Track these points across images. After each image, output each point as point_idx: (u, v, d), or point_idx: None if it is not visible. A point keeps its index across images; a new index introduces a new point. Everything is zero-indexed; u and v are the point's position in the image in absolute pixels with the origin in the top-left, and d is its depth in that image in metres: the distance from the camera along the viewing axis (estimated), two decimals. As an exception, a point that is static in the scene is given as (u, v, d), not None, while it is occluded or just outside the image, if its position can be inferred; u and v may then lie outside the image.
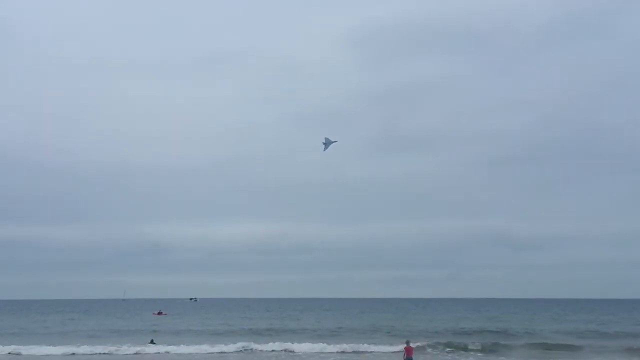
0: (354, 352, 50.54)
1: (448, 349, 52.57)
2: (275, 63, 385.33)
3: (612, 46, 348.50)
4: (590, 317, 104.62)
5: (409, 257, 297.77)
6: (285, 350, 51.18)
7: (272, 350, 51.35)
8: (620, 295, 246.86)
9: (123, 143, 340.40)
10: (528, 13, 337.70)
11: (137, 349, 52.82)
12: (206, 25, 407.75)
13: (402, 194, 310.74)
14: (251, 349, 52.11)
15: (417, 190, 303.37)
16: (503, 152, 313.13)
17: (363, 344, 53.40)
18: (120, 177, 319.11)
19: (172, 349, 52.37)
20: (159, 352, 51.74)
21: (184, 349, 52.20)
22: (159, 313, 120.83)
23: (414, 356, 38.98)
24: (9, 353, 51.11)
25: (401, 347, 42.28)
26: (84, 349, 52.50)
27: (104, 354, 50.77)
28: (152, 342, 57.56)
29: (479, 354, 50.09)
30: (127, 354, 50.99)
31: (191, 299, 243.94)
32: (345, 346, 51.98)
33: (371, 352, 50.51)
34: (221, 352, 51.18)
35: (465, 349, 52.74)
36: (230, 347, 52.50)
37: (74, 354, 51.02)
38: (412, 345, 40.05)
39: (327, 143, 54.49)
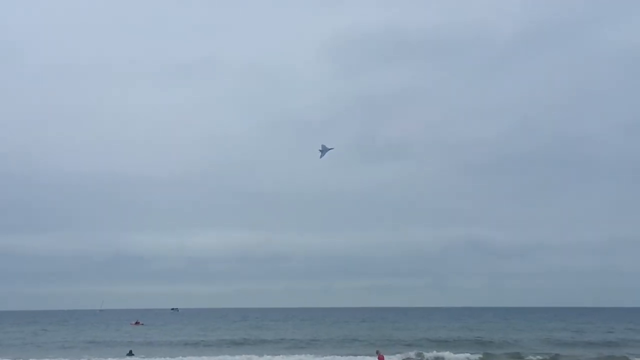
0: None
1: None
2: (250, 71, 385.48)
3: (583, 56, 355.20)
4: (567, 326, 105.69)
5: (387, 266, 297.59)
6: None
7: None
8: (597, 304, 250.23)
9: (98, 152, 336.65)
10: (502, 24, 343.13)
11: (116, 360, 52.24)
12: (177, 32, 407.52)
13: (378, 203, 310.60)
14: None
15: (394, 198, 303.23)
16: (479, 160, 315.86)
17: (339, 355, 53.49)
18: (96, 186, 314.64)
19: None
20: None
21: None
22: (136, 323, 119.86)
23: None
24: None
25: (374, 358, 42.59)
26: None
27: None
28: (130, 353, 57.08)
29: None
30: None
31: (172, 309, 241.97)
32: (321, 358, 52.09)
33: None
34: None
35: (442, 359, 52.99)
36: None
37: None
38: (382, 354, 41.59)
39: (324, 150, 54.92)
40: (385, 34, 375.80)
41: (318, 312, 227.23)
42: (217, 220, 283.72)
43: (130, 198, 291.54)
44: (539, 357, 54.13)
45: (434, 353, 55.76)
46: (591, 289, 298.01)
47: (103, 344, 70.88)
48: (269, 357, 52.92)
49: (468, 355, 54.95)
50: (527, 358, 53.76)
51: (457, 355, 54.86)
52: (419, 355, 54.76)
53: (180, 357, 53.54)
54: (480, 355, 55.13)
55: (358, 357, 52.74)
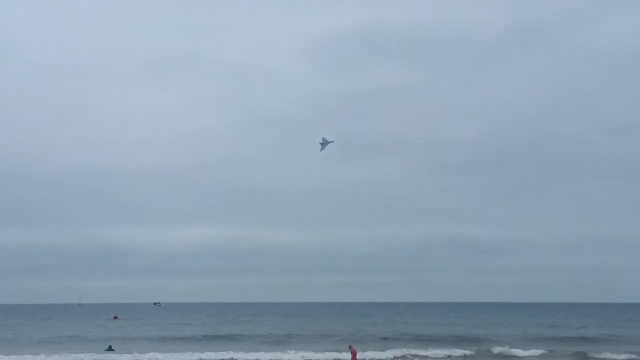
0: (303, 359, 51.36)
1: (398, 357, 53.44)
2: (231, 69, 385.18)
3: (565, 56, 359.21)
4: (543, 321, 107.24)
5: (366, 262, 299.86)
6: None
7: (223, 360, 51.37)
8: (574, 299, 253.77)
9: (78, 147, 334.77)
10: (484, 24, 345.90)
11: (96, 356, 52.27)
12: (156, 30, 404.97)
13: (358, 200, 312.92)
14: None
15: (374, 195, 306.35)
16: (461, 158, 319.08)
17: (312, 351, 53.97)
18: (75, 180, 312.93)
19: (127, 357, 51.80)
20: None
21: (137, 356, 51.94)
22: (115, 317, 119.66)
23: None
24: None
25: (348, 354, 43.11)
26: (41, 358, 50.44)
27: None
28: (110, 348, 57.02)
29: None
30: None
31: (155, 303, 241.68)
32: (298, 354, 52.59)
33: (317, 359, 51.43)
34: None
35: (417, 356, 53.66)
36: (182, 356, 52.09)
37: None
38: (354, 349, 42.32)
39: (325, 143, 54.97)
40: (367, 32, 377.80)
41: (297, 307, 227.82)
42: (197, 215, 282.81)
43: (111, 193, 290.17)
44: (513, 353, 54.96)
45: (411, 350, 56.08)
46: (566, 284, 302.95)
47: (81, 339, 70.46)
48: (243, 354, 52.96)
49: (445, 351, 55.29)
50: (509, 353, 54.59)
51: (436, 351, 55.08)
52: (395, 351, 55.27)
53: (160, 352, 53.57)
54: (469, 351, 55.62)
55: (333, 352, 53.19)
